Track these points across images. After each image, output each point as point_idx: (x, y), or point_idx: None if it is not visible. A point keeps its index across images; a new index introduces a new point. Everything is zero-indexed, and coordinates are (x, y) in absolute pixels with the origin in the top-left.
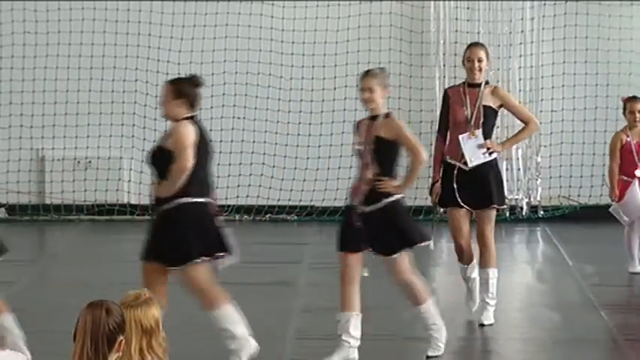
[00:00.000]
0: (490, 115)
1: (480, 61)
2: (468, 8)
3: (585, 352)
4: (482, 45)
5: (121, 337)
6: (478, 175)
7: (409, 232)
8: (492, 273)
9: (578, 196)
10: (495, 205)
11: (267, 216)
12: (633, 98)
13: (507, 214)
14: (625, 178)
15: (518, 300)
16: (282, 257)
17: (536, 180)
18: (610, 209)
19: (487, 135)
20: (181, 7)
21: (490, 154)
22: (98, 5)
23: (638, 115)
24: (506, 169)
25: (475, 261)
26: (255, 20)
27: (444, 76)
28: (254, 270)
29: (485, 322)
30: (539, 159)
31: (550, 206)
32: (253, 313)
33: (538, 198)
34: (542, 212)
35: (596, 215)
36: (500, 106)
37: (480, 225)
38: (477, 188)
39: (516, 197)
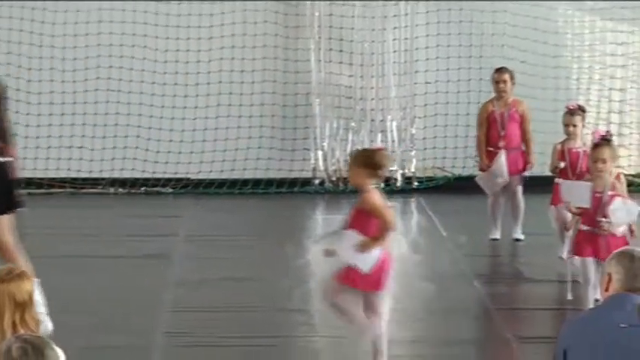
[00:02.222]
0: None
1: None
2: None
3: (458, 322)
4: None
5: None
6: None
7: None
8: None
9: (452, 167)
10: None
11: (143, 189)
12: (500, 69)
13: (382, 185)
14: (490, 148)
15: (392, 271)
16: (157, 230)
17: (411, 151)
18: (476, 179)
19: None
20: None
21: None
22: None
23: (502, 85)
24: (381, 141)
25: None
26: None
27: (320, 49)
28: (129, 243)
29: None
30: (413, 130)
31: (424, 177)
32: (128, 285)
33: (412, 169)
34: (416, 183)
35: (469, 186)
36: None
37: None
38: None
39: (391, 169)
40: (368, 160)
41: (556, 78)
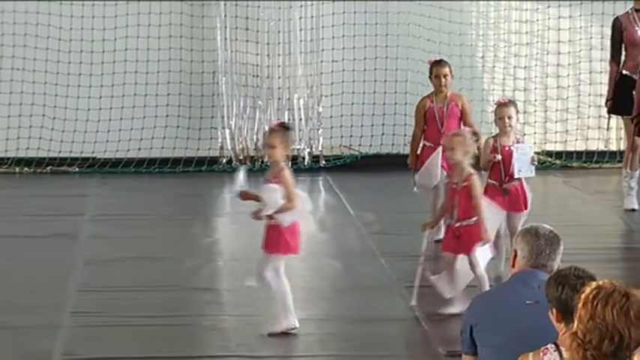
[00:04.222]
0: None
1: None
2: None
3: (366, 300)
4: None
5: None
6: None
7: None
8: None
9: (359, 145)
10: None
11: (49, 168)
12: (439, 62)
13: (289, 163)
14: (428, 144)
15: (300, 249)
16: (63, 209)
17: (318, 130)
18: (415, 177)
19: None
20: None
21: None
22: None
23: (444, 79)
24: (289, 120)
25: None
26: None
27: (226, 27)
28: (35, 222)
29: None
30: (320, 109)
31: (331, 156)
32: (35, 265)
33: (320, 147)
34: (323, 162)
35: (376, 164)
36: None
37: None
38: None
39: (298, 147)
40: None
41: (461, 56)
